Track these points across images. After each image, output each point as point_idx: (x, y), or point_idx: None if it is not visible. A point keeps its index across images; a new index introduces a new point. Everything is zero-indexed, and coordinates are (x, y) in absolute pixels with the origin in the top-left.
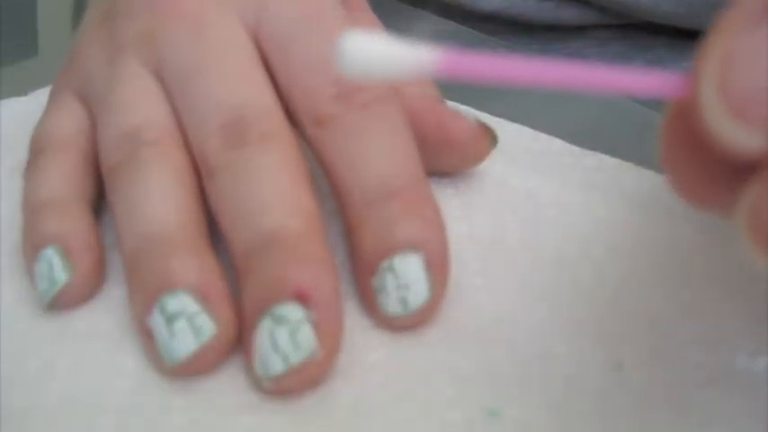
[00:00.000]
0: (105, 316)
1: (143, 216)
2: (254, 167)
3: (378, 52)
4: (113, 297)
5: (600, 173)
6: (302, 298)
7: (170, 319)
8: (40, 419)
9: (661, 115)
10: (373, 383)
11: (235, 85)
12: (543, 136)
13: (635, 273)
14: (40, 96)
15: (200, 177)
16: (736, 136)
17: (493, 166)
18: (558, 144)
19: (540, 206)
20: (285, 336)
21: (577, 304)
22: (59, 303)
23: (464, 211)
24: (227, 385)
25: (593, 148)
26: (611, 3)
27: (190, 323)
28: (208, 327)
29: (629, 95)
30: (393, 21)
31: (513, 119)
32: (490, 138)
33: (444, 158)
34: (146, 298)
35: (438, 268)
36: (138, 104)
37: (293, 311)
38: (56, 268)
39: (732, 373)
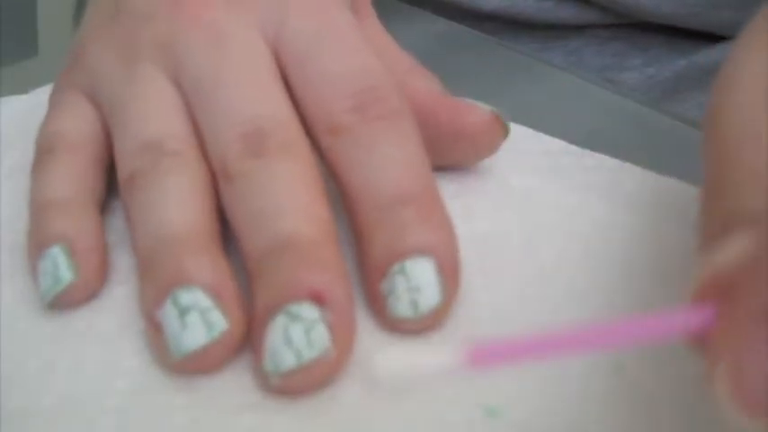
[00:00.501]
0: (105, 316)
1: (159, 219)
2: (273, 175)
3: (408, 363)
4: (114, 297)
5: (600, 173)
6: (317, 298)
7: (183, 312)
8: (40, 419)
9: (661, 116)
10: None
11: (254, 96)
12: (544, 136)
13: (635, 273)
14: (41, 95)
15: (216, 189)
16: (753, 426)
17: (494, 167)
18: (558, 144)
19: (540, 206)
20: (300, 332)
21: (578, 304)
22: (61, 302)
23: (465, 212)
24: (229, 384)
25: (594, 149)
26: (612, 3)
27: (202, 317)
28: (220, 323)
29: (653, 338)
30: (393, 21)
31: (514, 119)
32: (502, 126)
33: (459, 151)
34: (158, 291)
35: (449, 273)
36: (158, 113)
37: (308, 310)
38: (61, 267)
39: None
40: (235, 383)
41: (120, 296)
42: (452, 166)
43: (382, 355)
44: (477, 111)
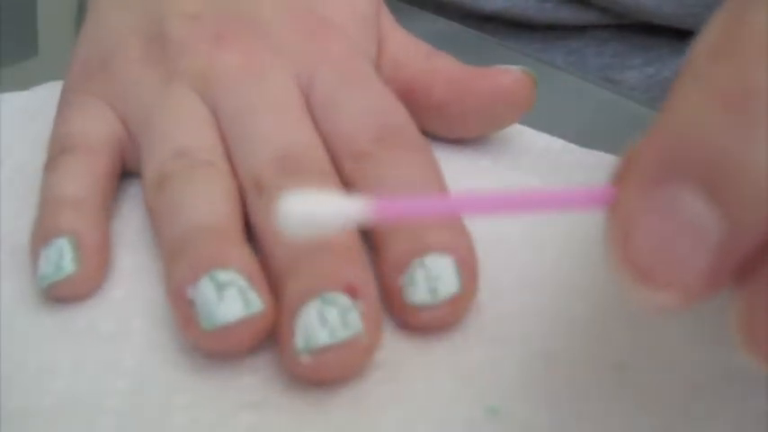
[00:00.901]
0: (106, 315)
1: (190, 214)
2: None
3: (314, 209)
4: (114, 297)
5: (601, 171)
6: (352, 292)
7: (221, 287)
8: (40, 419)
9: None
10: (374, 382)
11: (289, 127)
12: (544, 135)
13: None
14: (41, 91)
15: (244, 204)
16: (645, 297)
17: (494, 166)
18: (559, 143)
19: None
20: (335, 314)
21: (578, 304)
22: (57, 292)
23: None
24: (229, 384)
25: (593, 149)
26: (612, 3)
27: (241, 293)
28: (257, 302)
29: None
30: None
31: None
32: (533, 79)
33: (501, 113)
34: (194, 269)
35: (468, 270)
36: (192, 126)
37: (343, 299)
38: (65, 257)
39: (732, 373)
40: (235, 383)
41: (121, 297)
42: (493, 132)
43: (289, 198)
44: (510, 72)
